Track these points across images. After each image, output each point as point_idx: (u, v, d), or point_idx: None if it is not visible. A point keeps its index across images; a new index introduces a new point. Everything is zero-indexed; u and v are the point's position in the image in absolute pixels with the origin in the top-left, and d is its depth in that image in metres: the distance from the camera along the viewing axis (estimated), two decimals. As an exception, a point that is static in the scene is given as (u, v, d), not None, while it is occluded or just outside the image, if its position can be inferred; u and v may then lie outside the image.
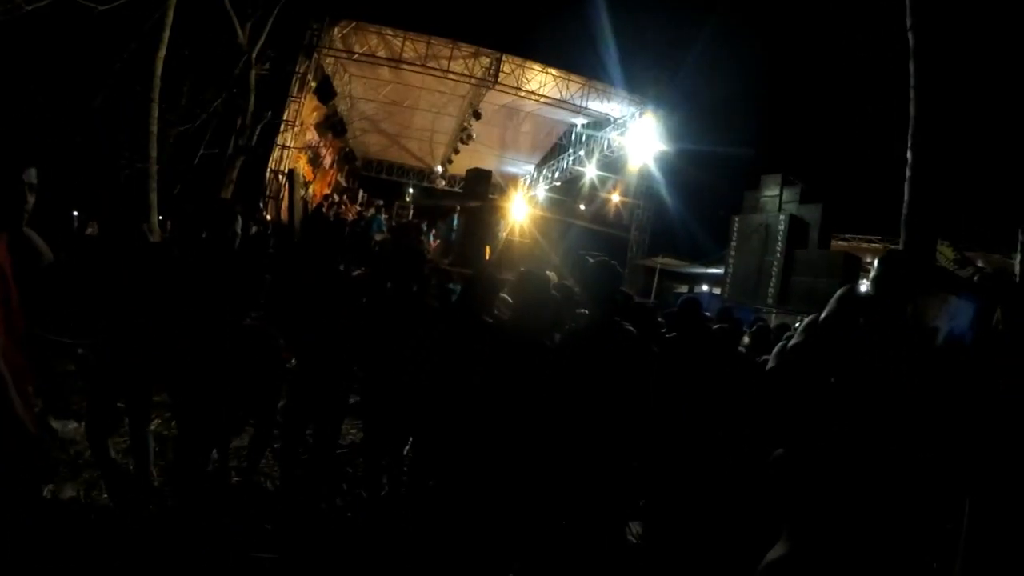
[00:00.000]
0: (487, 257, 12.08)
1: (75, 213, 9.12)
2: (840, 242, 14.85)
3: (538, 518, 2.99)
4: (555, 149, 20.43)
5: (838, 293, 1.06)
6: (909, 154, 5.69)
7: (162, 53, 8.48)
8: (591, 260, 3.13)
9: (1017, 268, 7.70)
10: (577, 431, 2.72)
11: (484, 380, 2.88)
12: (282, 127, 13.83)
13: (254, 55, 10.83)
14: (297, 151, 15.03)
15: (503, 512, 2.86)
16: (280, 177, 13.69)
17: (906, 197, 5.76)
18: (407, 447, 3.79)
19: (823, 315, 1.10)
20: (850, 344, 0.98)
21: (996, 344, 1.47)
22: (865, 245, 15.05)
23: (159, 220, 8.28)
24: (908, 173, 5.74)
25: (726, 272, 14.60)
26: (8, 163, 1.97)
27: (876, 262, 1.28)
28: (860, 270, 12.27)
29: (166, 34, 8.55)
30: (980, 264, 13.63)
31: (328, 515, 3.63)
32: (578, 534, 3.15)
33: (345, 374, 3.54)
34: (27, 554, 2.09)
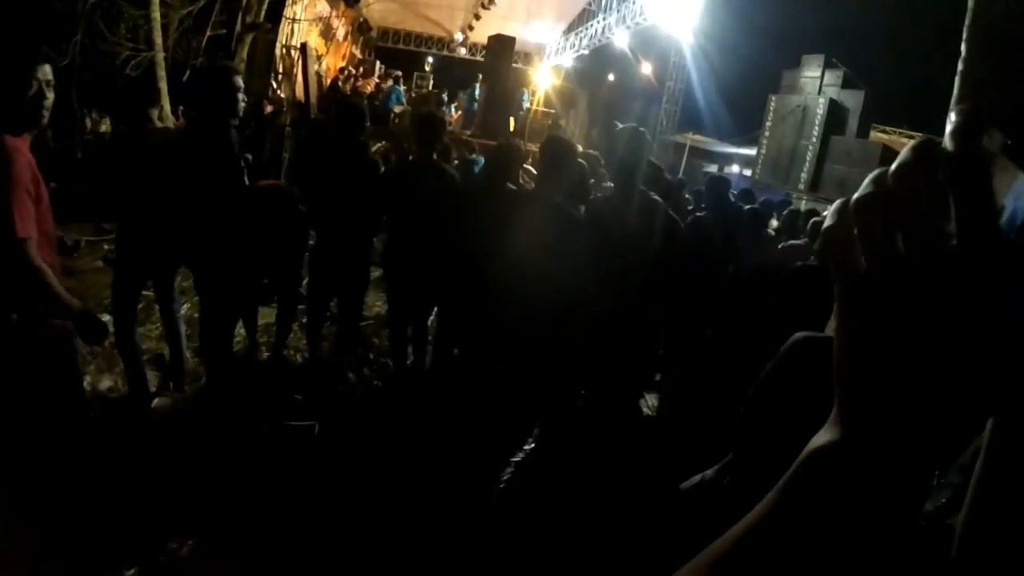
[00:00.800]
0: (511, 128, 11.74)
1: (84, 111, 8.95)
2: (880, 134, 14.12)
3: (559, 387, 3.09)
4: (583, 15, 19.10)
5: (912, 143, 0.91)
6: (963, 47, 5.22)
7: None
8: (620, 127, 3.02)
9: None
10: (600, 299, 2.73)
11: (510, 249, 2.85)
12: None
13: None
14: (308, 24, 14.23)
15: (525, 380, 2.95)
16: (292, 52, 13.06)
17: (955, 94, 5.35)
18: (431, 317, 3.87)
19: (894, 166, 0.94)
20: (924, 207, 0.84)
21: None
22: (905, 140, 14.22)
23: (171, 108, 8.08)
24: (960, 67, 5.29)
25: (758, 153, 14.12)
26: (21, 62, 1.93)
27: (953, 115, 1.08)
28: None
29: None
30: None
31: (356, 385, 3.78)
32: (596, 404, 3.27)
33: (364, 247, 3.53)
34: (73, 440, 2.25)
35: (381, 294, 4.53)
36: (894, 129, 14.79)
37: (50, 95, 1.98)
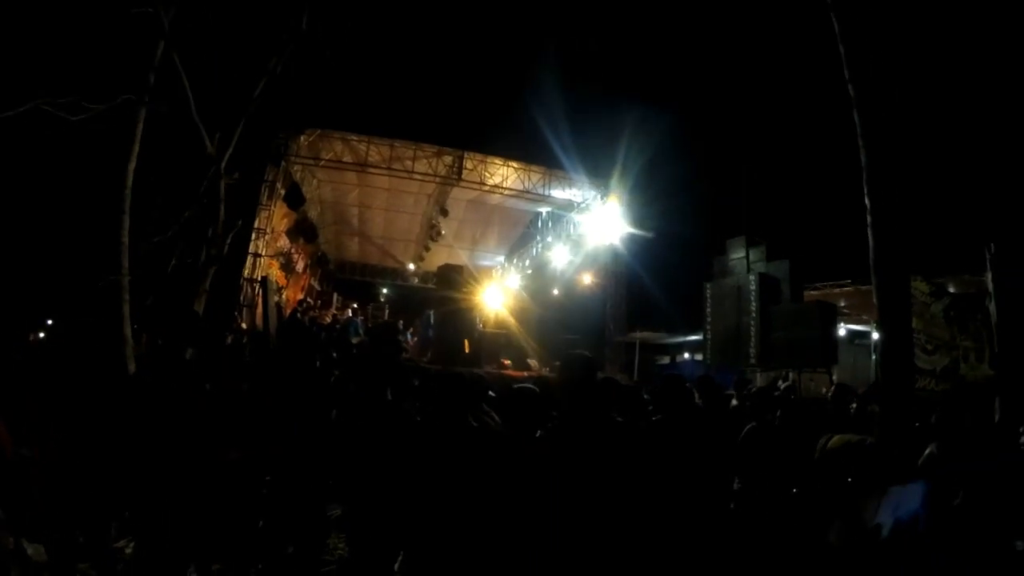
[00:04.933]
0: (466, 351, 12.06)
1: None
2: (812, 291, 14.96)
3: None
4: (524, 237, 20.86)
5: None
6: (867, 200, 5.79)
7: (132, 165, 8.64)
8: (564, 357, 3.07)
9: (989, 286, 7.84)
10: (573, 538, 2.62)
11: (473, 488, 2.79)
12: (253, 235, 14.13)
13: (223, 165, 10.99)
14: (269, 258, 15.19)
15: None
16: (253, 285, 13.77)
17: (871, 242, 5.81)
18: (397, 562, 3.63)
19: None
20: None
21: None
22: (837, 291, 15.19)
23: (133, 330, 8.27)
24: (869, 219, 5.83)
25: (705, 338, 14.61)
26: None
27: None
28: (836, 315, 12.35)
29: (136, 146, 8.74)
30: (952, 290, 13.72)
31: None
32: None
33: (323, 486, 3.44)
34: None
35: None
36: (824, 284, 15.60)
37: None
